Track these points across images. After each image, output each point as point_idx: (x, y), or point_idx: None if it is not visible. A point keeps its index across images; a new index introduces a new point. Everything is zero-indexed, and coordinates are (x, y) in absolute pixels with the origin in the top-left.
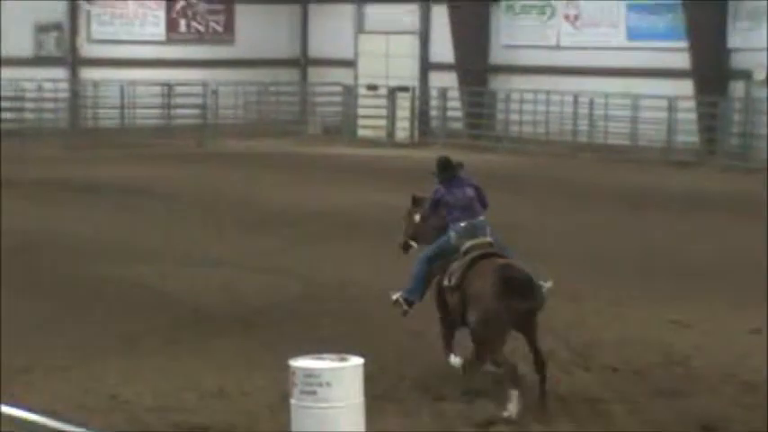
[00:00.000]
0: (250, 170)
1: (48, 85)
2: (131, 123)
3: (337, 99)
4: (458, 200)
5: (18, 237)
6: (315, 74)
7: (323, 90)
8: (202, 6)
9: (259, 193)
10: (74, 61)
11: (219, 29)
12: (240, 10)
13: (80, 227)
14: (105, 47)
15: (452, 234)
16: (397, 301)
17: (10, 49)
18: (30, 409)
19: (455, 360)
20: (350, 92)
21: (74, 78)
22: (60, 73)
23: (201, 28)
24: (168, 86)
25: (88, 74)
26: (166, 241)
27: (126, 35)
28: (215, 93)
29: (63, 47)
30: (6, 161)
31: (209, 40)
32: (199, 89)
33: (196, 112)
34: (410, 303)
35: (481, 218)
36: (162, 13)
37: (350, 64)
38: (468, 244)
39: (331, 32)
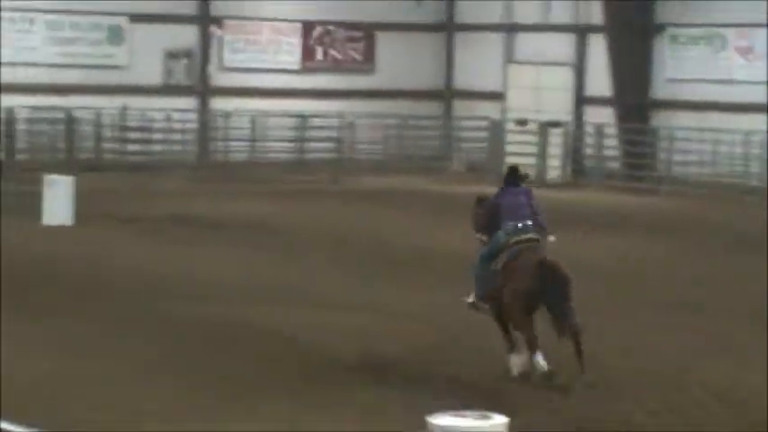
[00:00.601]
0: (387, 209)
1: (176, 116)
2: (262, 157)
3: (483, 134)
4: (511, 204)
5: (139, 276)
6: (460, 107)
7: (468, 124)
8: (341, 33)
9: (396, 234)
10: (204, 90)
11: (358, 57)
12: (381, 38)
13: (205, 266)
14: (237, 75)
15: (502, 233)
16: (473, 303)
17: (138, 78)
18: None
19: (515, 360)
20: (497, 127)
21: (203, 108)
22: (190, 103)
23: (339, 56)
24: (302, 118)
25: (218, 104)
26: (294, 283)
27: (259, 63)
28: (352, 125)
29: (193, 75)
30: (132, 196)
31: (347, 69)
32: (334, 121)
33: (331, 145)
34: (485, 300)
35: (529, 222)
36: (297, 40)
37: (498, 96)
38: (515, 238)
39: (478, 62)
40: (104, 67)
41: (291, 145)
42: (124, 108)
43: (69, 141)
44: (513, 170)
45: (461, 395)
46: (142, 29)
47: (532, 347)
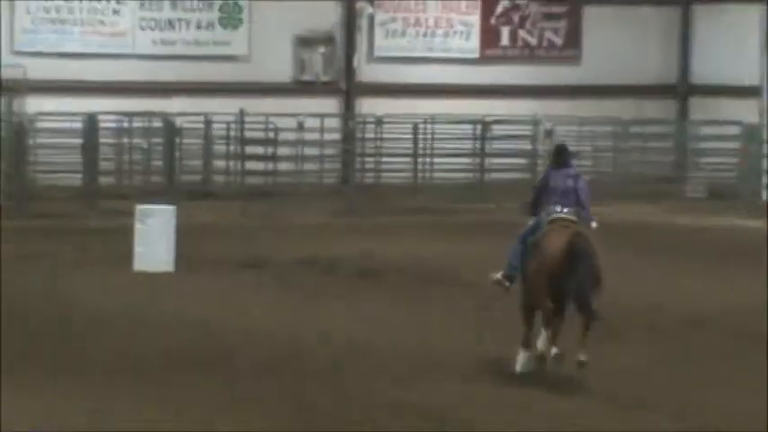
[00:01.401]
0: (600, 248)
1: (311, 123)
2: (428, 177)
3: (733, 145)
4: (558, 186)
5: (265, 342)
6: (699, 107)
7: (711, 132)
8: (534, 9)
9: (613, 284)
10: (349, 89)
11: (558, 41)
12: (590, 14)
13: (356, 327)
14: (393, 68)
15: (543, 215)
16: (497, 280)
17: (260, 73)
18: None
19: (522, 356)
20: (753, 134)
21: (348, 113)
22: (329, 105)
23: (532, 40)
24: (482, 125)
25: (368, 106)
26: (480, 351)
27: (422, 51)
28: (550, 134)
29: (334, 68)
30: (252, 232)
31: (543, 57)
32: (526, 129)
33: (522, 162)
34: (511, 280)
35: (571, 209)
36: (475, 20)
37: (754, 93)
38: (554, 216)
39: (725, 47)
40: (216, 58)
41: (467, 161)
42: (242, 114)
43: (169, 159)
44: (562, 149)
45: None
46: (266, 7)
47: (547, 325)
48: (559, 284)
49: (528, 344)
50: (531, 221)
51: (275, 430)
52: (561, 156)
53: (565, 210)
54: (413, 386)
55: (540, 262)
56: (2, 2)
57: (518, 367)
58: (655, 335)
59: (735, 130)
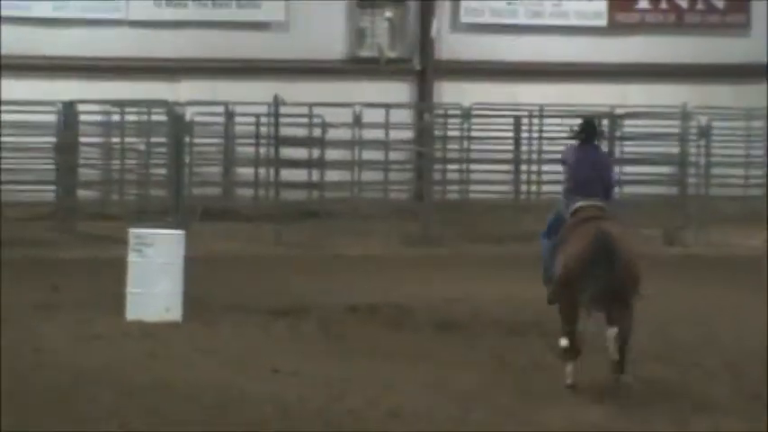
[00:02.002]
0: None
1: (372, 114)
2: (535, 192)
3: None
4: (581, 170)
5: (311, 415)
6: None
7: None
8: None
9: None
10: (425, 69)
11: (719, 3)
12: None
13: (434, 402)
14: (487, 40)
15: (563, 203)
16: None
17: (303, 47)
18: None
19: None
20: None
21: (425, 102)
22: (399, 91)
23: (682, 2)
24: (610, 118)
25: (452, 93)
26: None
27: (529, 16)
28: (705, 133)
29: (403, 41)
30: (292, 266)
31: (698, 25)
32: (672, 124)
33: (666, 171)
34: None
35: (597, 201)
36: None
37: None
38: (577, 205)
39: None
40: (242, 26)
41: None
42: (276, 103)
43: (175, 165)
44: (587, 124)
45: None
46: None
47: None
48: (586, 282)
49: (572, 354)
50: (551, 214)
51: None
52: (583, 132)
53: (586, 201)
54: None
55: (567, 257)
56: None
57: (569, 380)
58: None
59: None
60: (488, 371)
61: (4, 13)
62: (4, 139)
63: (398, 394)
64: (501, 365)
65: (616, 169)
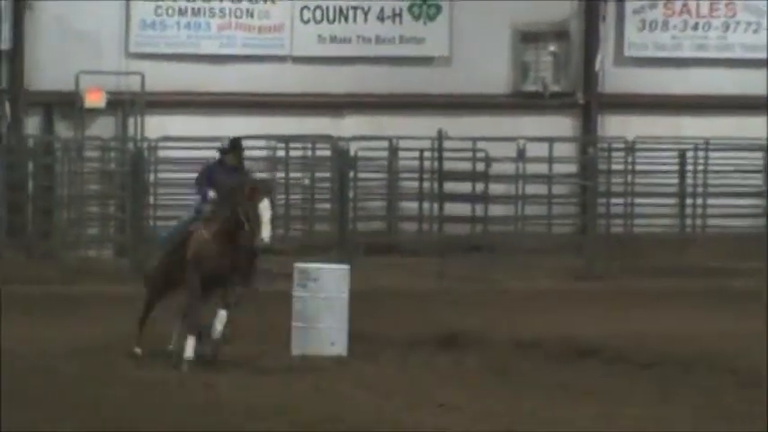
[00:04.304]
0: None
1: (536, 148)
2: (700, 226)
3: None
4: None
5: None
6: None
7: None
8: None
9: None
10: (589, 102)
11: None
12: None
13: None
14: (651, 73)
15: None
16: None
17: (466, 81)
18: None
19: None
20: None
21: (588, 135)
22: (562, 125)
23: None
24: None
25: (616, 126)
26: None
27: (694, 49)
28: None
29: (568, 74)
30: (457, 299)
31: None
32: None
33: None
34: None
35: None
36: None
37: None
38: None
39: None
40: (405, 61)
41: (757, 202)
42: (440, 137)
43: (340, 200)
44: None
45: None
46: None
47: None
48: None
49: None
50: None
51: None
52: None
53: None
54: None
55: None
56: None
57: None
58: None
59: None
60: (656, 406)
61: (173, 50)
62: (168, 175)
63: (565, 430)
64: (669, 401)
65: None
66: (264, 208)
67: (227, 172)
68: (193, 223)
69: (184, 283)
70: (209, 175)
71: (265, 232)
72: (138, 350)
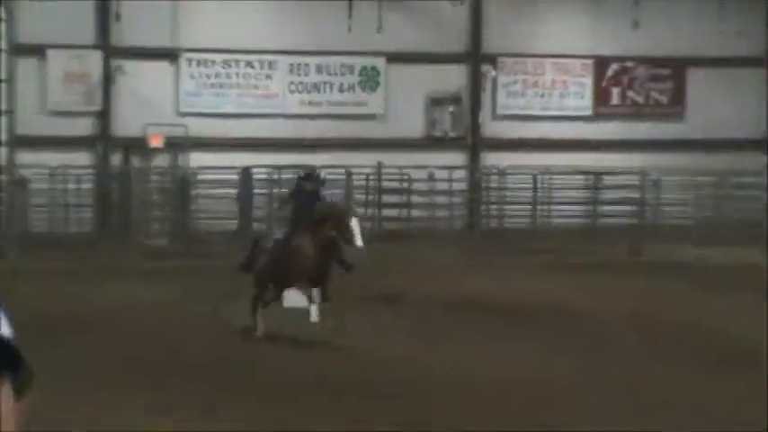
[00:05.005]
0: (704, 289)
1: (441, 174)
2: (545, 223)
3: None
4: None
5: (394, 373)
6: None
7: None
8: (642, 71)
9: (718, 321)
10: (474, 143)
11: (664, 100)
12: (693, 75)
13: (476, 361)
14: (514, 124)
15: None
16: None
17: (396, 129)
18: None
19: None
20: None
21: (474, 165)
22: (457, 158)
23: (640, 99)
24: (595, 176)
25: (492, 159)
26: (593, 383)
27: (541, 109)
28: (656, 184)
29: (461, 125)
30: (387, 271)
31: (650, 114)
32: (635, 179)
33: (630, 209)
34: None
35: None
36: (588, 81)
37: None
38: None
39: None
40: (356, 117)
41: (581, 208)
42: (379, 166)
43: None
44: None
45: None
46: (401, 71)
47: None
48: None
49: None
50: None
51: None
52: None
53: None
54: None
55: None
56: (170, 70)
57: None
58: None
59: None
60: (515, 338)
61: (206, 110)
62: (204, 191)
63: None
64: (520, 333)
65: (598, 208)
66: (355, 224)
67: (308, 195)
68: (295, 237)
69: (287, 282)
70: (293, 197)
71: (359, 242)
72: (259, 334)
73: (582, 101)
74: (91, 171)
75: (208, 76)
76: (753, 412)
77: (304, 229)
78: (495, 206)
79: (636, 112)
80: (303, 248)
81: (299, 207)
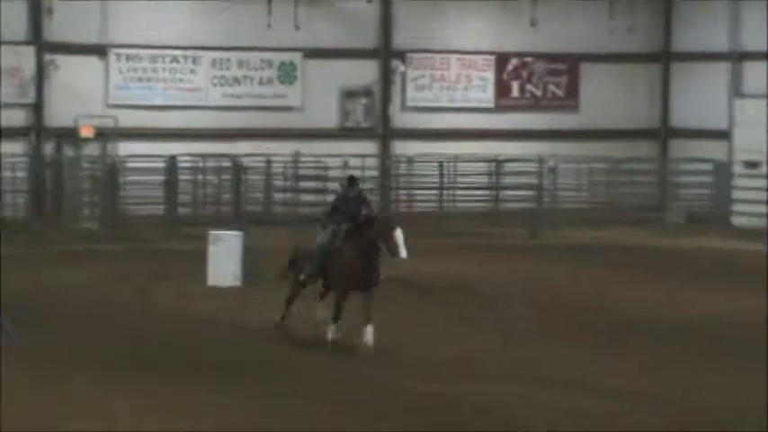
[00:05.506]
0: (596, 267)
1: (353, 162)
2: (451, 207)
3: (707, 179)
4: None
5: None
6: (678, 147)
7: (688, 168)
8: (540, 66)
9: (608, 297)
10: (385, 133)
11: (560, 93)
12: (586, 70)
13: (394, 333)
14: (422, 116)
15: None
16: None
17: (312, 120)
18: None
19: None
20: (723, 170)
21: (384, 153)
22: (369, 147)
23: (538, 92)
24: (496, 163)
25: (401, 148)
26: (496, 354)
27: (446, 101)
28: (553, 171)
29: (372, 116)
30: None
31: (548, 106)
32: (533, 166)
33: (529, 194)
34: None
35: None
36: (490, 75)
37: (723, 135)
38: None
39: (699, 96)
40: (275, 108)
41: (484, 193)
42: (297, 154)
43: (236, 192)
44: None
45: None
46: (316, 65)
47: None
48: None
49: None
50: None
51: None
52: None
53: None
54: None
55: None
56: (100, 64)
57: None
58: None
59: (707, 166)
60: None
61: (135, 102)
62: (133, 178)
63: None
64: (430, 309)
65: (500, 193)
66: (399, 235)
67: (353, 200)
68: (341, 244)
69: (331, 284)
70: (339, 203)
71: (403, 252)
72: (277, 318)
73: (484, 94)
74: (25, 160)
75: (135, 71)
76: (643, 381)
77: (348, 236)
78: (404, 191)
79: (534, 104)
80: (348, 254)
81: (342, 214)
